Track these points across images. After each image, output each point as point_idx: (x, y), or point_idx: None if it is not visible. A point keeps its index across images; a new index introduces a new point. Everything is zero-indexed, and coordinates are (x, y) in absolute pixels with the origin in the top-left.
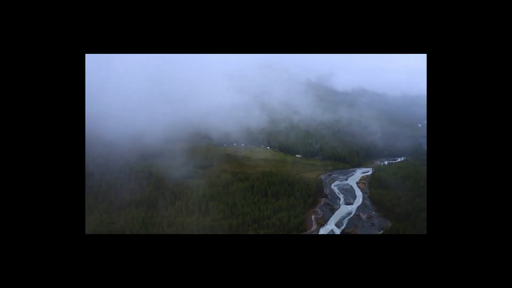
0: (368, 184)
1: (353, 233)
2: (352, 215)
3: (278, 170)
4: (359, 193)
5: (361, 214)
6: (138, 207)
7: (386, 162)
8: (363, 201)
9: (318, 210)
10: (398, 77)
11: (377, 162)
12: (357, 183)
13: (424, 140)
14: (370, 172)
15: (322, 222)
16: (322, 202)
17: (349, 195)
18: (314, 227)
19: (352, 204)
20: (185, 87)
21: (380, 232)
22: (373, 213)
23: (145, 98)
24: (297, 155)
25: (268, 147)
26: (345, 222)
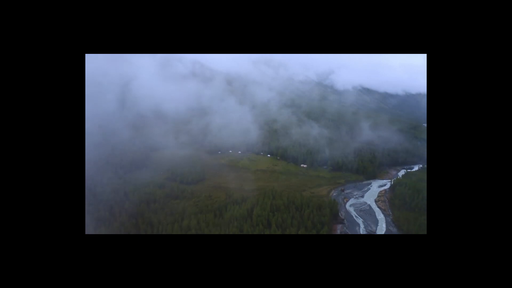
0: (388, 202)
1: None
2: None
3: (281, 186)
4: (380, 216)
5: None
6: None
7: (402, 172)
8: (387, 228)
9: None
10: (399, 75)
11: (393, 172)
12: (375, 201)
13: None
14: (388, 186)
15: None
16: (339, 231)
17: (370, 219)
18: None
19: (375, 232)
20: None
21: None
22: None
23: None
24: (302, 165)
25: (268, 155)
26: None
